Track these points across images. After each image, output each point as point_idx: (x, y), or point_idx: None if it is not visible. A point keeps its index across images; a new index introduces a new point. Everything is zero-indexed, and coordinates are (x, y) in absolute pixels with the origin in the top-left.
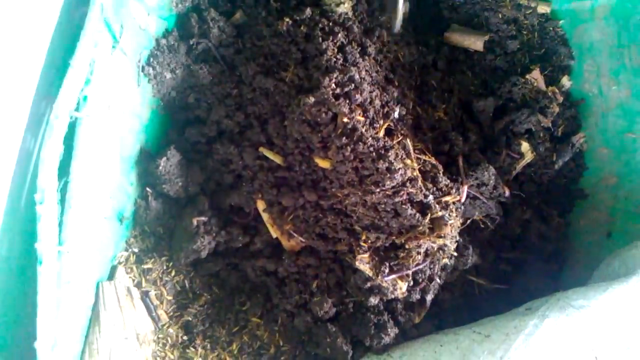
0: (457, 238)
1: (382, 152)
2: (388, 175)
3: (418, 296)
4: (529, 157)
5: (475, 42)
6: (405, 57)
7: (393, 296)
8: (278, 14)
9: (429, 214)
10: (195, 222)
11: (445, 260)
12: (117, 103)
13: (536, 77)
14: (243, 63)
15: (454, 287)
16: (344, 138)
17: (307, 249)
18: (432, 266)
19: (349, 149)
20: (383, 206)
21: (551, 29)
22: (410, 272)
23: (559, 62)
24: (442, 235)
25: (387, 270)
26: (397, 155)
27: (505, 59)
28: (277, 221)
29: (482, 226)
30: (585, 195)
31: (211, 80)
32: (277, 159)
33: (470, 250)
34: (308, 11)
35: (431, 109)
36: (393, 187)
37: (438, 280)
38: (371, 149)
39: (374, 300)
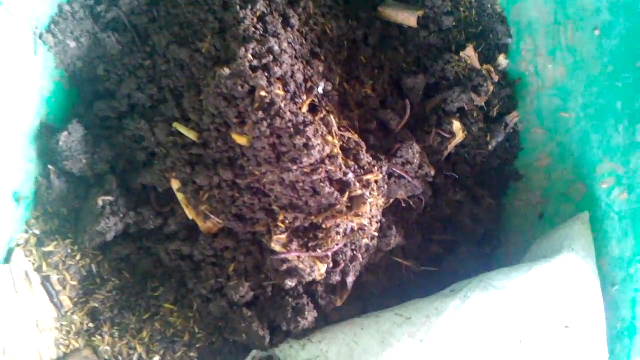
0: (380, 218)
1: (301, 127)
2: (305, 151)
3: (339, 278)
4: (460, 136)
5: (409, 18)
6: (333, 30)
7: (311, 278)
8: None
9: (348, 193)
10: (100, 202)
11: (366, 241)
12: (6, 72)
13: (470, 54)
14: (156, 32)
15: (378, 269)
16: (261, 113)
17: (224, 231)
18: (353, 247)
19: (265, 124)
20: (301, 185)
21: (489, 6)
22: (329, 253)
23: (497, 40)
24: (360, 214)
25: (305, 251)
26: (316, 131)
27: (440, 36)
28: (192, 202)
29: (409, 207)
30: (519, 176)
31: (121, 51)
32: (191, 135)
33: (394, 231)
34: None
35: (359, 85)
36: (311, 165)
37: (360, 262)
38: (289, 124)
39: (290, 283)
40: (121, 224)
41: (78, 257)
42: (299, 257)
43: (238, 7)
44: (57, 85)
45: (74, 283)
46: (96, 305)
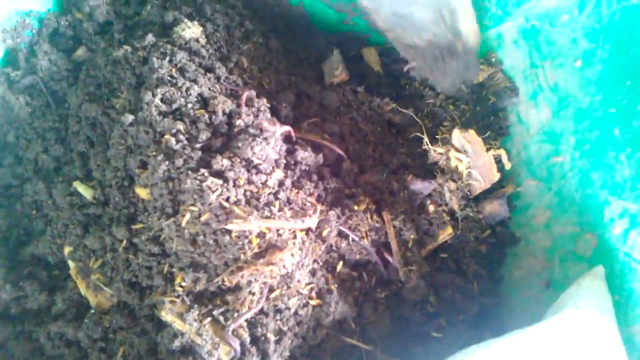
0: (311, 279)
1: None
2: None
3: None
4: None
5: None
6: (271, 83)
7: (214, 359)
8: (120, 45)
9: (259, 239)
10: None
11: (295, 301)
12: None
13: None
14: (72, 94)
15: (322, 354)
16: (161, 155)
17: (118, 306)
18: (277, 318)
19: (163, 165)
20: (202, 237)
21: None
22: (240, 321)
23: None
24: (274, 261)
25: (204, 321)
26: (223, 166)
27: None
28: (83, 270)
29: (365, 274)
30: (516, 239)
31: (31, 114)
32: (87, 194)
33: (334, 295)
34: (150, 37)
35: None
36: (210, 204)
37: (289, 337)
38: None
39: None
40: None
41: None
42: (197, 329)
43: (155, 59)
44: None
45: None
46: None
